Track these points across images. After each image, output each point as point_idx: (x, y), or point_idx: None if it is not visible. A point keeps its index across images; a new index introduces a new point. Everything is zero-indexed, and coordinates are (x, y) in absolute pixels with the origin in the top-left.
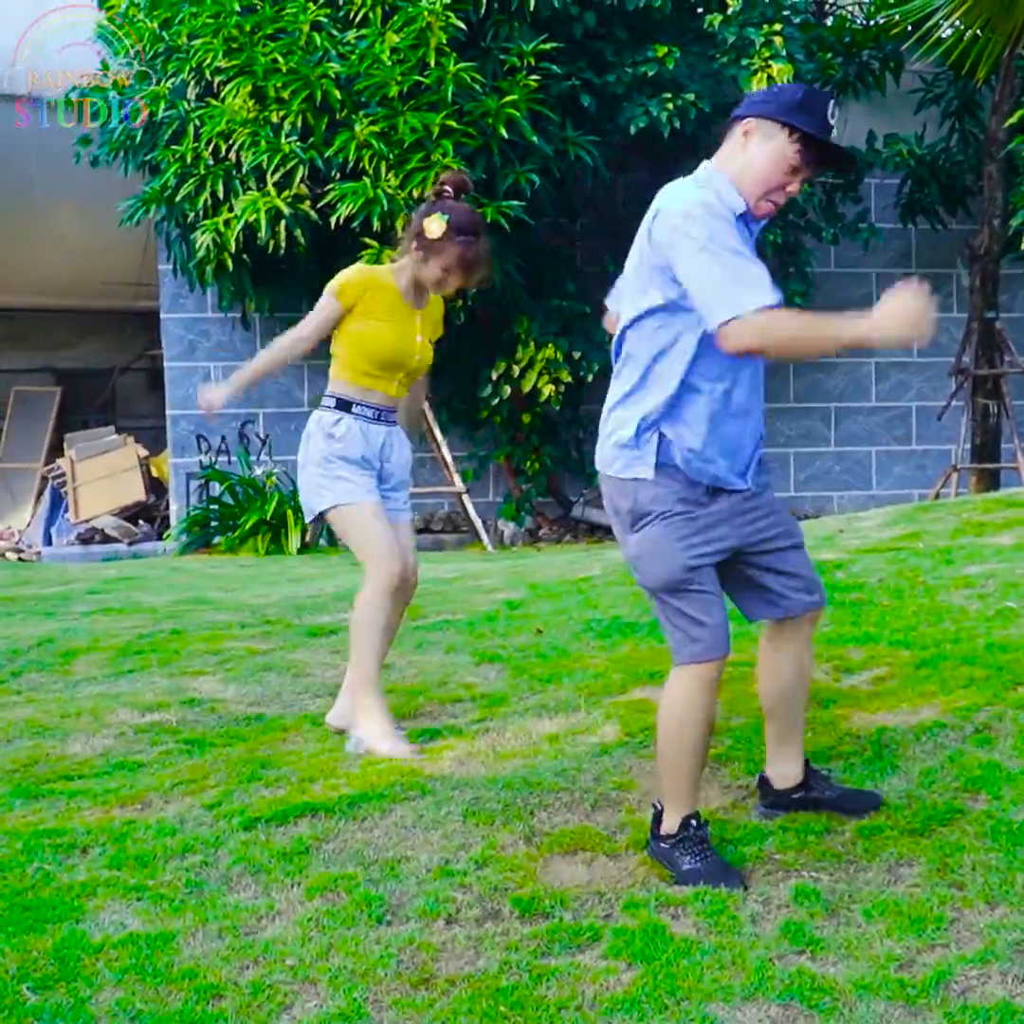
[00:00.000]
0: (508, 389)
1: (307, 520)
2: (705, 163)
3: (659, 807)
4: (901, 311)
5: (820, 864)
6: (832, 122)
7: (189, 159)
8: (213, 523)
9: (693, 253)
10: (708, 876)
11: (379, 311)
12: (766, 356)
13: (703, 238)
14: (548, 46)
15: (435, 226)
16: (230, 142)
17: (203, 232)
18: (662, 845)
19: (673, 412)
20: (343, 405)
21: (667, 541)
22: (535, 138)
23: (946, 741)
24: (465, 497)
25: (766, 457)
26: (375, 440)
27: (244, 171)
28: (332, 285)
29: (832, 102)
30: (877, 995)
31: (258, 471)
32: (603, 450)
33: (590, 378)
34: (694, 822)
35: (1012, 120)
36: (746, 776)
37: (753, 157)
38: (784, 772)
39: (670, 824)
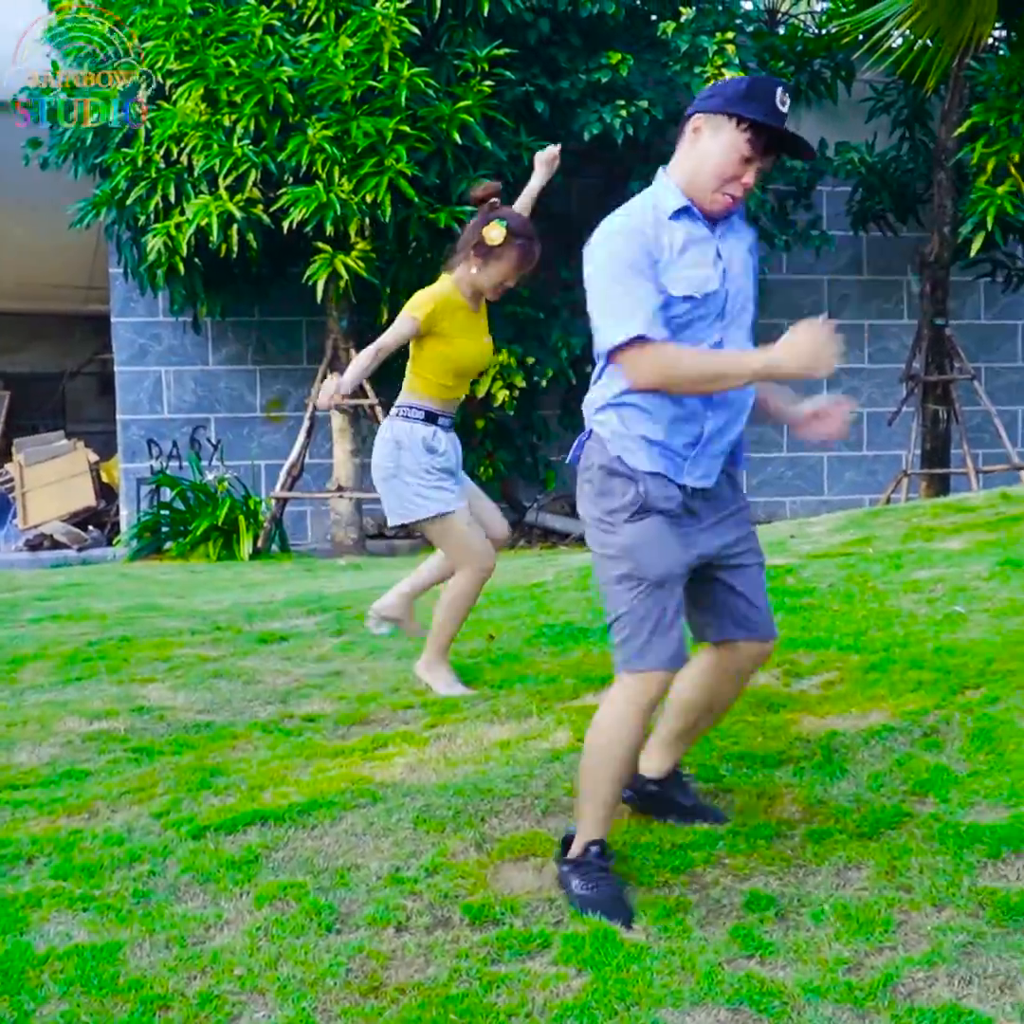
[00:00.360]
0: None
1: (391, 523)
2: (660, 169)
3: (570, 831)
4: (803, 346)
5: (770, 869)
6: (783, 109)
7: (140, 162)
8: (164, 529)
9: (594, 275)
10: (596, 904)
11: (457, 328)
12: (670, 391)
13: (605, 261)
14: (502, 52)
15: (496, 233)
16: (182, 145)
17: (154, 235)
18: (563, 867)
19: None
20: (431, 418)
21: (670, 535)
22: (489, 144)
23: (894, 745)
24: None
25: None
26: (455, 448)
27: (196, 174)
28: (414, 308)
29: (780, 89)
30: (825, 998)
31: (210, 476)
32: (597, 443)
33: (544, 383)
34: (595, 849)
35: (961, 129)
36: (697, 781)
37: (704, 152)
38: (655, 764)
39: (576, 848)
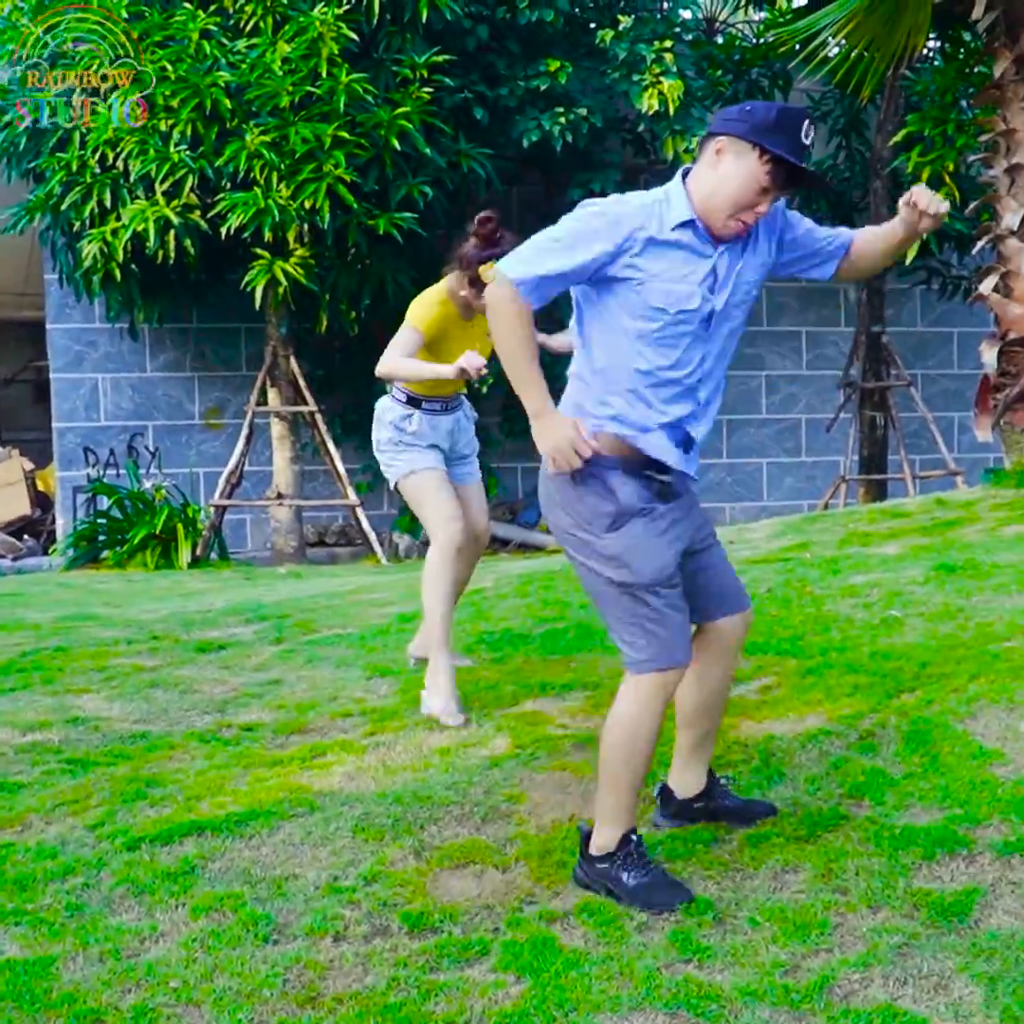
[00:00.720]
0: None
1: (393, 485)
2: (679, 173)
3: (586, 828)
4: (557, 434)
5: (708, 873)
6: (807, 142)
7: (75, 167)
8: (101, 537)
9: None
10: (656, 890)
11: (449, 333)
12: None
13: (572, 215)
14: (441, 58)
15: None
16: (117, 150)
17: (90, 241)
18: (599, 865)
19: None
20: (413, 401)
21: (653, 535)
22: (428, 150)
23: (831, 748)
24: (359, 510)
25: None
26: (443, 427)
27: (132, 180)
28: (416, 321)
29: (807, 122)
30: (762, 1001)
31: (147, 484)
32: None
33: (484, 389)
34: (634, 837)
35: (897, 138)
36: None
37: (724, 177)
38: (688, 781)
39: (607, 841)
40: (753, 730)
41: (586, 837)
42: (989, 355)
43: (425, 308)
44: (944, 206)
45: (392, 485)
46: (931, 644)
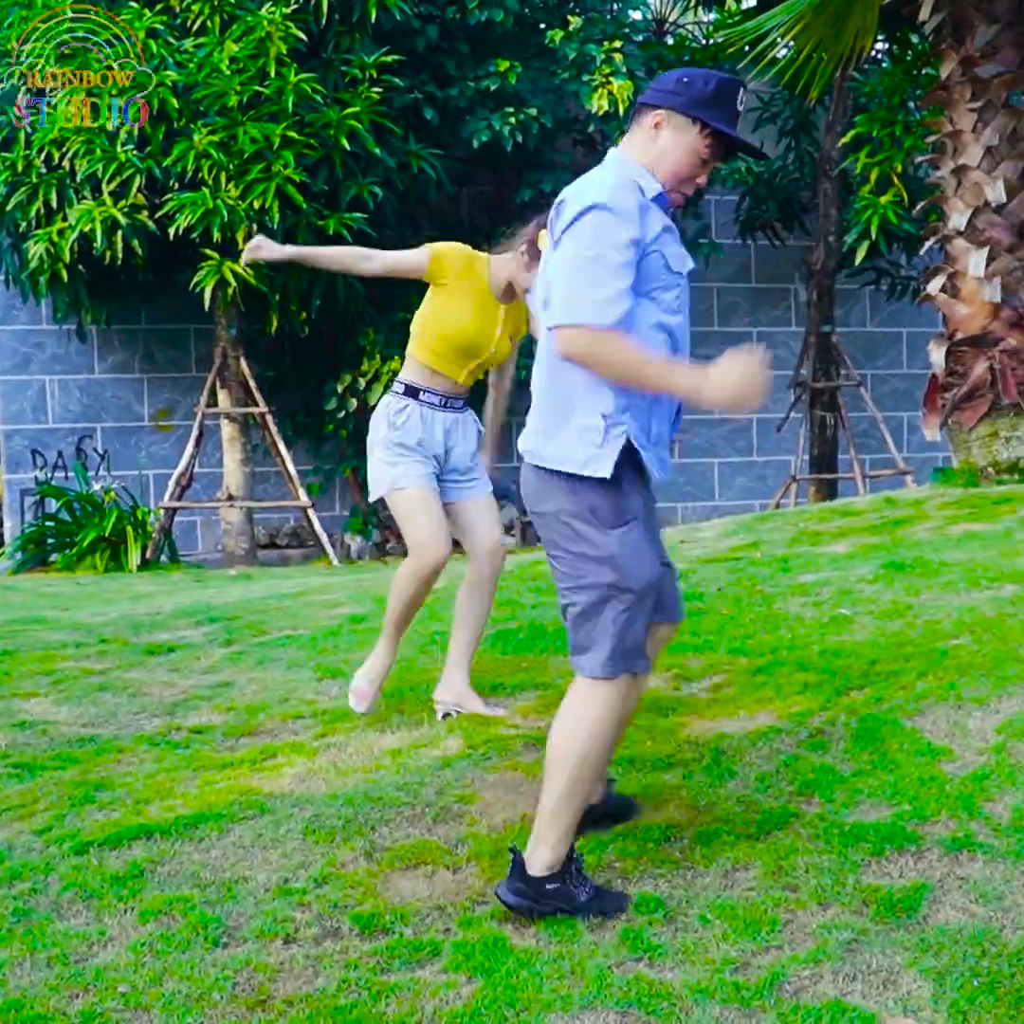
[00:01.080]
0: (354, 402)
1: (371, 500)
2: (613, 151)
3: (517, 852)
4: (734, 378)
5: (659, 871)
6: (741, 109)
7: (20, 167)
8: (49, 540)
9: (571, 248)
10: (604, 899)
11: (465, 297)
12: (588, 369)
13: (586, 237)
14: (390, 59)
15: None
16: (64, 150)
17: (36, 242)
18: (550, 886)
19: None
20: (411, 392)
21: (645, 542)
22: (378, 150)
23: (781, 746)
24: (310, 511)
25: None
26: (437, 426)
27: (78, 180)
28: (433, 248)
29: (742, 90)
30: (713, 998)
31: (96, 487)
32: (563, 447)
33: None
34: (577, 856)
35: (845, 139)
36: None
37: (664, 150)
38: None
39: (554, 860)
40: (704, 728)
41: (518, 861)
42: (937, 355)
43: (450, 254)
44: None
45: (375, 495)
46: (880, 642)
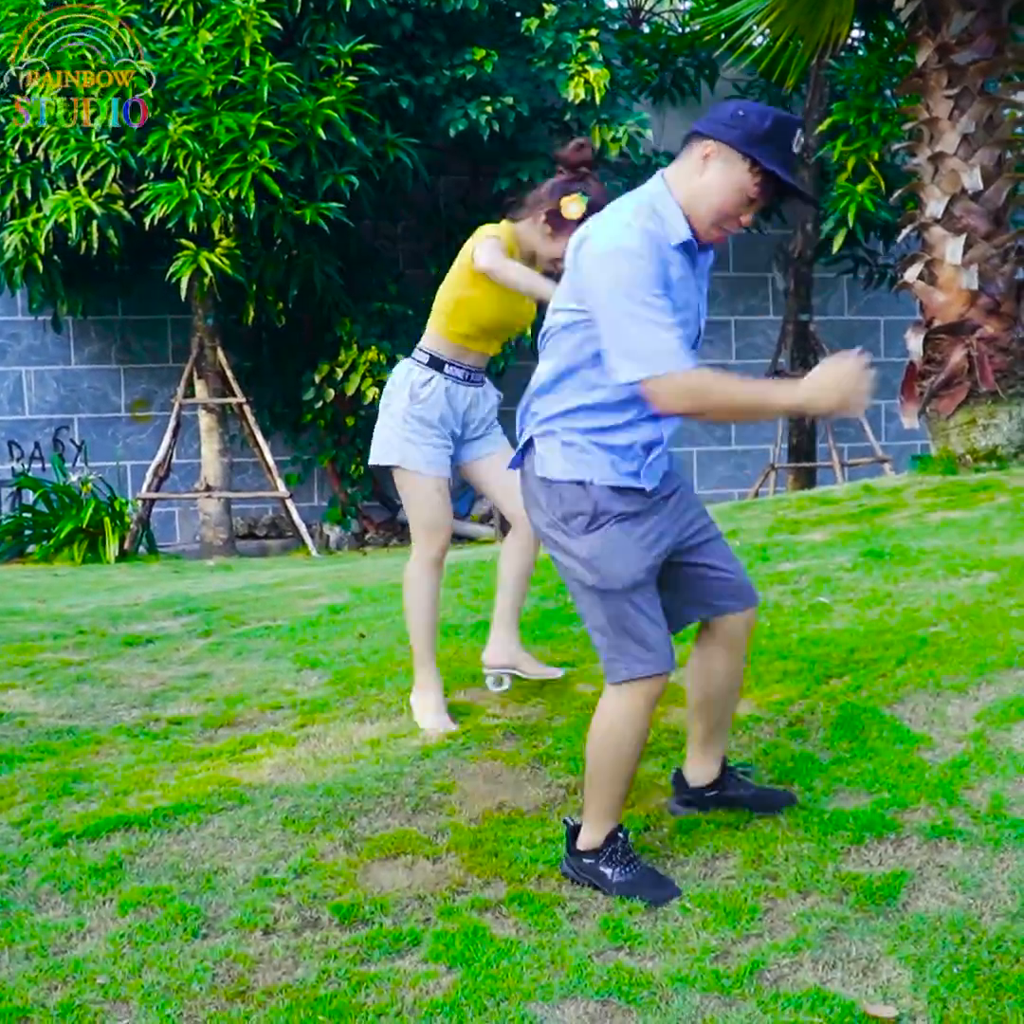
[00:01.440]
0: (331, 392)
1: (371, 463)
2: (660, 175)
3: (572, 823)
4: (834, 382)
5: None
6: (796, 150)
7: None
8: (27, 532)
9: (608, 296)
10: (640, 886)
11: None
12: (700, 419)
13: (622, 283)
14: (365, 47)
15: (575, 207)
16: (37, 140)
17: (10, 232)
18: (585, 860)
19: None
20: (436, 363)
21: (628, 540)
22: (354, 139)
23: (760, 734)
24: (289, 502)
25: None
26: (460, 402)
27: (53, 170)
28: (496, 235)
29: (799, 131)
30: (693, 987)
31: (73, 478)
32: (547, 454)
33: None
34: (621, 835)
35: (822, 127)
36: (567, 775)
37: (711, 184)
38: (702, 771)
39: (593, 838)
40: (683, 717)
41: (572, 832)
42: (915, 343)
43: (500, 233)
44: None
45: (380, 462)
46: (859, 630)
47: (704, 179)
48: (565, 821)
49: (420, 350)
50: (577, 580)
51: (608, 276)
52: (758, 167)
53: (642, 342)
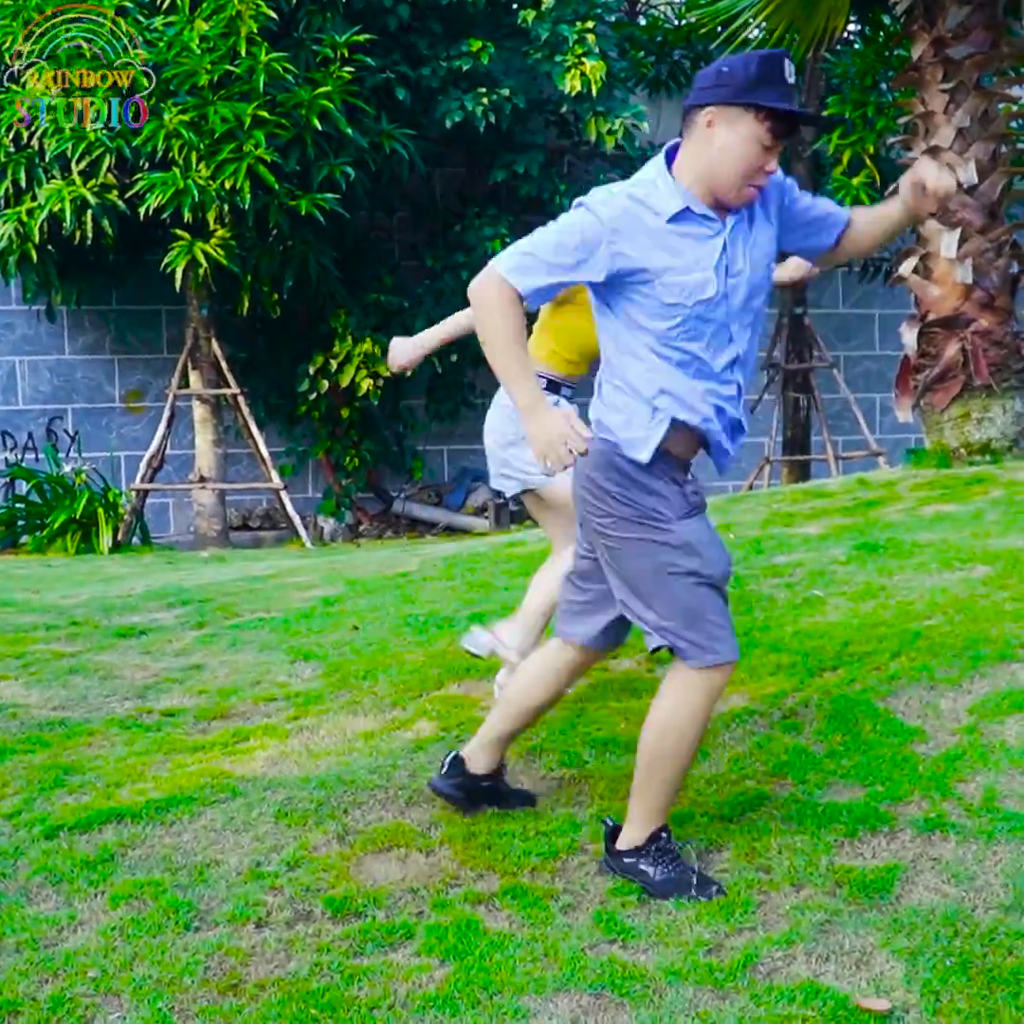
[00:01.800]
0: (326, 384)
1: (510, 492)
2: (658, 159)
3: (611, 823)
4: (549, 430)
5: None
6: (791, 81)
7: None
8: (20, 522)
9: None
10: (683, 886)
11: (586, 302)
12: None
13: (561, 220)
14: (362, 38)
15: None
16: (32, 129)
17: (5, 222)
18: (626, 859)
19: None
20: (553, 387)
21: (713, 532)
22: (350, 130)
23: (754, 727)
24: (283, 493)
25: None
26: None
27: (48, 159)
28: None
29: (787, 61)
30: (686, 980)
31: (67, 468)
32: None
33: (409, 373)
34: (664, 834)
35: None
36: (560, 768)
37: (724, 147)
38: (484, 759)
39: (636, 836)
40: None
41: (610, 832)
42: (909, 336)
43: None
44: (951, 184)
45: (525, 487)
46: (853, 623)
47: (716, 146)
48: (604, 822)
49: (538, 375)
50: (666, 565)
51: (569, 211)
52: (763, 111)
53: (521, 244)
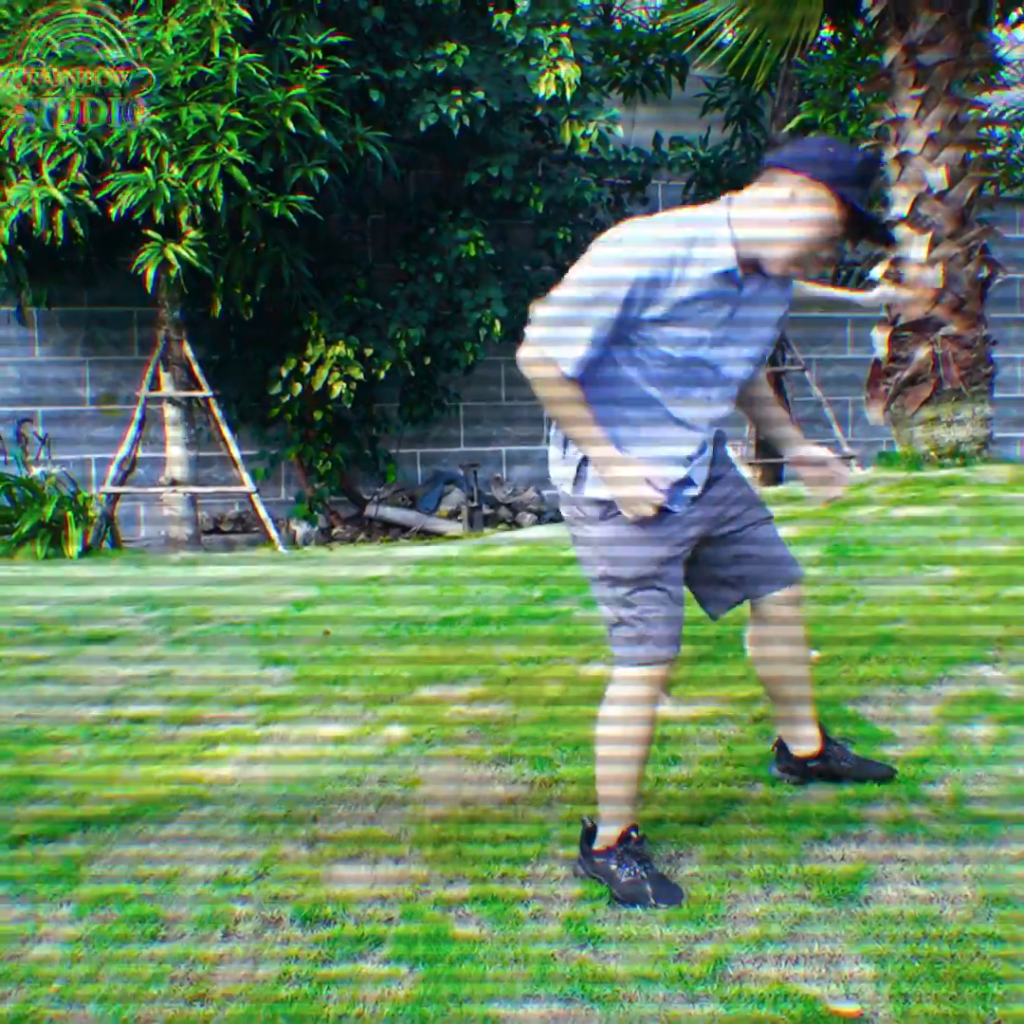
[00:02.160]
0: (299, 386)
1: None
2: (725, 201)
3: (590, 823)
4: (632, 488)
5: None
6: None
7: None
8: None
9: (575, 274)
10: (642, 897)
11: None
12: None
13: (602, 263)
14: (336, 40)
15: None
16: (1, 128)
17: None
18: (597, 860)
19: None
20: None
21: (643, 531)
22: (323, 132)
23: (725, 731)
24: (255, 497)
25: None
26: None
27: (17, 159)
28: None
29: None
30: (657, 985)
31: (37, 471)
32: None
33: (382, 375)
34: (634, 834)
35: (791, 125)
36: (531, 772)
37: (799, 220)
38: (798, 737)
39: (608, 837)
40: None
41: (587, 833)
42: (880, 340)
43: None
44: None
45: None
46: (823, 626)
47: (791, 214)
48: (583, 821)
49: None
50: (590, 567)
51: (596, 254)
52: (847, 206)
53: (563, 327)
